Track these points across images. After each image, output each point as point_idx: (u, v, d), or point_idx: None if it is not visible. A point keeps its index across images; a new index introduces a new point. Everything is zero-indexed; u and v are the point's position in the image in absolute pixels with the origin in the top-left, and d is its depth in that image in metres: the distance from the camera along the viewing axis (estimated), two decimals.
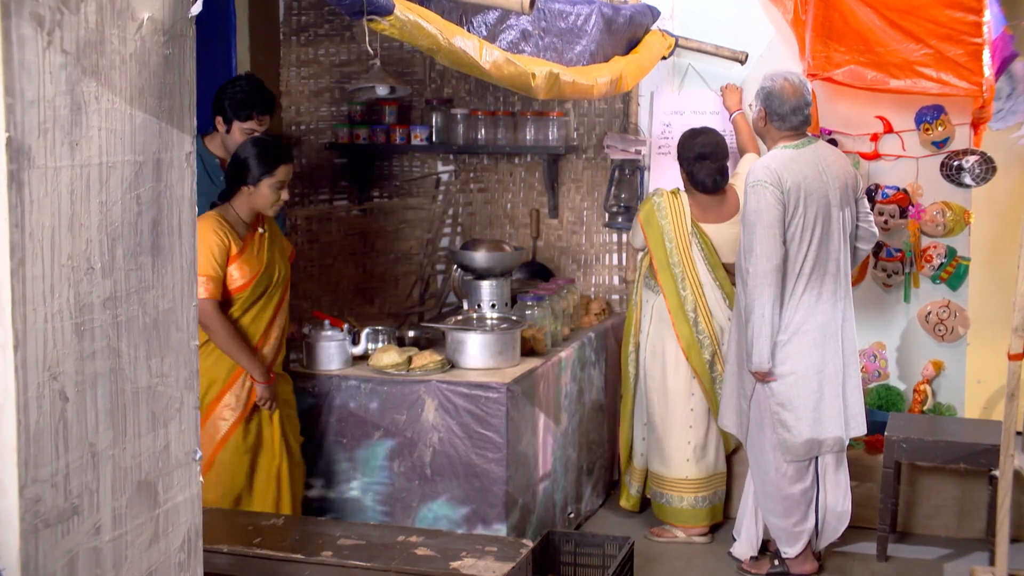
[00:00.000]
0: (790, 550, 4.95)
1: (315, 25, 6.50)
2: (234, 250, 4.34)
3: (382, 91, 5.61)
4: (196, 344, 2.39)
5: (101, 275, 2.07)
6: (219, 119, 4.92)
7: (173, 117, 2.24)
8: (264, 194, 4.42)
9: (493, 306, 5.24)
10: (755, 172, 4.74)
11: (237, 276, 4.37)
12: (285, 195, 4.48)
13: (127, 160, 2.11)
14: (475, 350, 4.88)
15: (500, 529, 4.68)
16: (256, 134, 4.77)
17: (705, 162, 5.32)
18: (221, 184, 4.63)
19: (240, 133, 4.83)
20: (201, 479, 2.41)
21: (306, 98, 6.60)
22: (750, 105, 5.35)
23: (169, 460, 2.29)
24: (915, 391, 5.80)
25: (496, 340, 4.89)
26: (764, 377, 4.76)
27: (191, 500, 2.38)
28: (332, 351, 4.93)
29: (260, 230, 4.50)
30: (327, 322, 5.00)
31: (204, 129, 4.90)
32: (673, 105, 6.12)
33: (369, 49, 3.39)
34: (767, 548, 5.14)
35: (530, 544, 3.69)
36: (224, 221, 4.37)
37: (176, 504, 2.32)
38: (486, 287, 5.26)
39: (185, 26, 2.26)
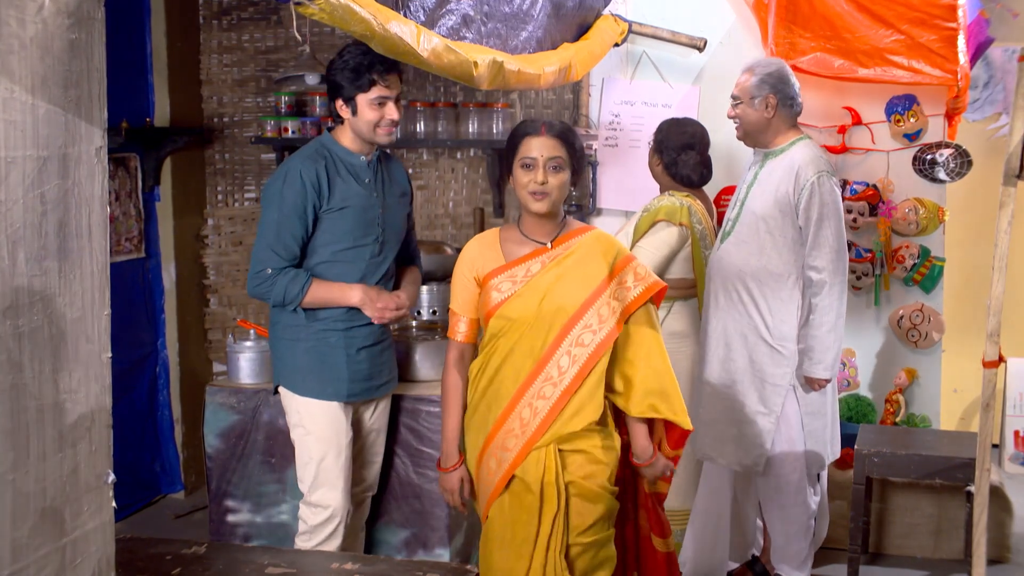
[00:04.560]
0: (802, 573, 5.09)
1: (238, 8, 6.47)
2: None
3: (312, 80, 5.56)
4: (108, 356, 2.36)
5: (0, 281, 2.03)
6: (339, 104, 4.27)
7: (81, 108, 2.21)
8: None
9: (434, 313, 5.23)
10: (814, 163, 4.74)
11: None
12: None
13: (29, 155, 2.08)
14: (415, 361, 4.86)
15: (443, 554, 4.66)
16: (386, 99, 4.24)
17: (691, 152, 5.25)
18: (370, 187, 4.33)
19: (370, 108, 4.22)
20: (115, 504, 2.38)
21: (229, 88, 6.56)
22: (735, 102, 5.15)
23: (78, 484, 2.25)
24: (887, 401, 5.85)
25: (437, 350, 4.88)
26: (824, 384, 4.84)
27: (103, 527, 2.34)
28: (259, 363, 4.89)
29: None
30: (253, 331, 4.96)
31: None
32: (623, 95, 6.14)
33: (297, 35, 3.37)
34: None
35: (475, 570, 3.67)
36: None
37: (86, 532, 2.29)
38: (426, 292, 5.25)
39: (93, 8, 2.23)
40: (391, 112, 4.23)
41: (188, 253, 6.56)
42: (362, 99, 4.19)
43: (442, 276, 5.31)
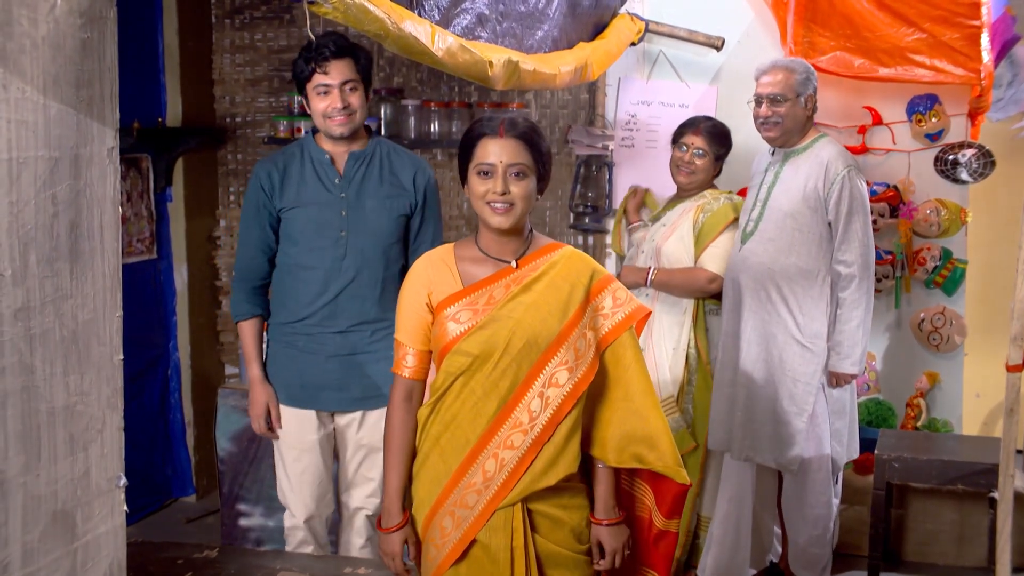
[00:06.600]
0: None
1: (251, 7, 6.47)
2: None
3: None
4: (120, 359, 2.36)
5: (12, 283, 2.04)
6: (302, 101, 4.27)
7: (93, 108, 2.22)
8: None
9: None
10: (843, 158, 4.81)
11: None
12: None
13: (41, 155, 2.08)
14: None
15: None
16: (328, 87, 4.14)
17: None
18: (339, 186, 4.22)
19: (315, 98, 4.15)
20: (126, 508, 2.38)
21: (241, 87, 6.57)
22: (752, 101, 5.00)
23: (89, 487, 2.26)
24: (908, 406, 5.83)
25: None
26: (851, 380, 4.87)
27: (114, 531, 2.35)
28: None
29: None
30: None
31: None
32: (640, 95, 6.13)
33: (310, 34, 3.37)
34: None
35: None
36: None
37: (97, 536, 2.29)
38: None
39: (105, 7, 2.23)
40: (335, 100, 4.12)
41: (200, 254, 6.57)
42: (308, 89, 4.16)
43: None
